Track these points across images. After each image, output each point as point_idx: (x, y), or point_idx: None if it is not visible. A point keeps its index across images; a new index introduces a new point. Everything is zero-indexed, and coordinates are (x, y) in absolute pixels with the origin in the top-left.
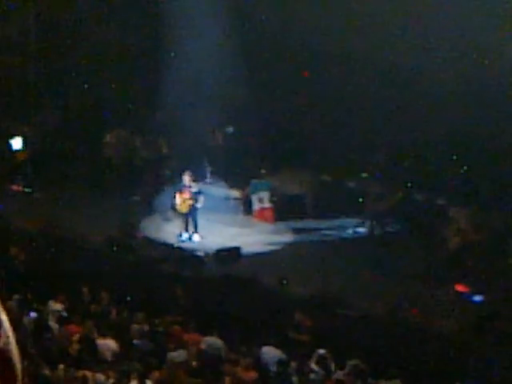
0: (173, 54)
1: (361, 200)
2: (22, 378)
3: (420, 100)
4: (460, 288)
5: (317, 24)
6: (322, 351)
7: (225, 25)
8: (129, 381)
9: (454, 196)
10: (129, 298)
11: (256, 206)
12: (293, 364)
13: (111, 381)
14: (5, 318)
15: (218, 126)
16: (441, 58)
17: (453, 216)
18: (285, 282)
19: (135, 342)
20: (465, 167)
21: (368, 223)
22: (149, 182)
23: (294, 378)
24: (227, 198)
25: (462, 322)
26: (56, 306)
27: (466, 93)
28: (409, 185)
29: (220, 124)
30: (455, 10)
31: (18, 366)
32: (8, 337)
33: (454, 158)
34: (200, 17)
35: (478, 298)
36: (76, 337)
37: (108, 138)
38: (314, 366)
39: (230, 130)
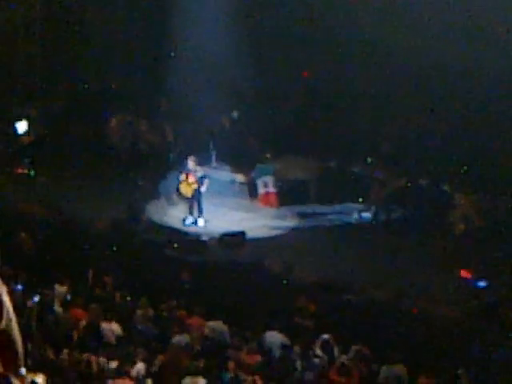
0: (178, 40)
1: (365, 185)
2: (25, 361)
3: (426, 88)
4: (464, 274)
5: (325, 11)
6: (325, 336)
7: (230, 10)
8: (133, 364)
9: (459, 182)
10: (133, 282)
11: (260, 191)
12: (296, 349)
13: (115, 364)
14: (7, 300)
15: (223, 111)
16: (447, 49)
17: (457, 202)
18: (289, 266)
19: (139, 326)
20: (469, 153)
21: (372, 209)
22: (154, 167)
23: (298, 363)
24: (232, 183)
25: (466, 308)
26: (62, 288)
27: (472, 82)
28: (413, 171)
29: (225, 109)
30: (462, 5)
31: (20, 348)
32: (10, 319)
33: (459, 144)
34: (205, 3)
35: (482, 283)
36: (82, 322)
37: (113, 122)
38: (317, 350)
39: (235, 114)
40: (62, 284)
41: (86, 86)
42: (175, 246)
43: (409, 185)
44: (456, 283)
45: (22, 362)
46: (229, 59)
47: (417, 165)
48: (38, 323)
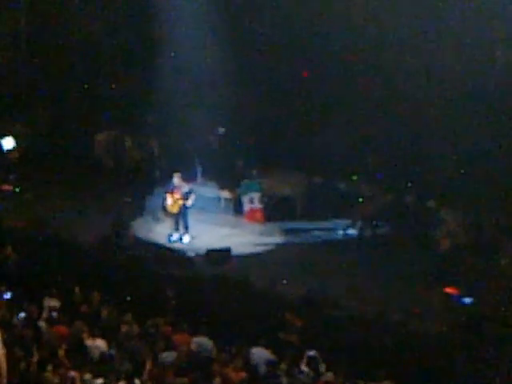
0: (165, 56)
1: (351, 202)
2: (9, 378)
3: (411, 104)
4: (449, 290)
5: (310, 25)
6: (311, 352)
7: (217, 26)
8: (118, 381)
9: (445, 198)
10: (119, 299)
11: (246, 207)
12: (282, 365)
13: (100, 381)
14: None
15: (210, 127)
16: (433, 60)
17: (443, 218)
18: (275, 282)
19: (125, 342)
20: (455, 169)
21: (358, 225)
22: (139, 183)
23: (284, 379)
24: (218, 199)
25: (452, 324)
26: (52, 302)
27: (457, 95)
28: (399, 187)
29: (211, 125)
30: (461, 10)
31: (3, 364)
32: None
33: (444, 160)
34: (191, 18)
35: (467, 300)
36: (66, 338)
37: (99, 138)
38: (303, 367)
39: (221, 130)
40: (51, 297)
41: (72, 100)
42: (161, 262)
43: (394, 201)
44: (441, 299)
45: (5, 379)
46: (215, 76)
47: (402, 181)
48: (21, 339)
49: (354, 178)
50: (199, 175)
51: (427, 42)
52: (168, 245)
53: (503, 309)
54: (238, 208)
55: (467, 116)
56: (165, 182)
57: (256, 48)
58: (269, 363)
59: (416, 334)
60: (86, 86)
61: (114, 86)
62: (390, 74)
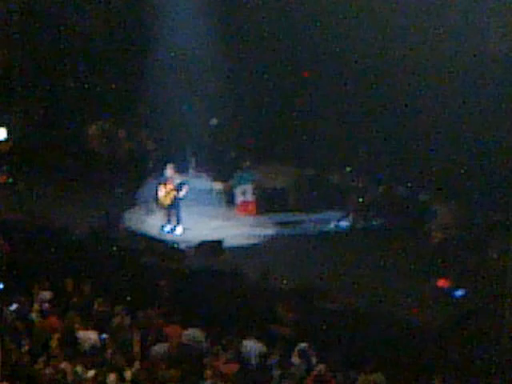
0: (157, 47)
1: (344, 194)
2: (1, 370)
3: (404, 95)
4: (442, 283)
5: (303, 20)
6: (303, 345)
7: (207, 18)
8: (110, 373)
9: (437, 191)
10: (111, 290)
11: (239, 199)
12: (274, 357)
13: (91, 373)
14: None
15: (202, 119)
16: (421, 53)
17: (435, 211)
18: (267, 274)
19: (117, 334)
20: (447, 162)
21: (350, 217)
22: (132, 174)
23: (276, 372)
24: (210, 191)
25: (444, 317)
26: (43, 294)
27: (447, 88)
28: (392, 179)
29: (204, 116)
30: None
31: None
32: None
33: (437, 153)
34: (183, 10)
35: (459, 292)
36: (58, 330)
37: (92, 129)
38: (295, 359)
39: (214, 122)
40: (44, 290)
41: (65, 91)
42: (153, 253)
43: (387, 193)
44: (434, 292)
45: None
46: (208, 67)
47: (395, 174)
48: (13, 331)
49: (348, 169)
50: (192, 167)
51: (416, 34)
52: (160, 236)
53: (494, 301)
54: (230, 200)
55: (460, 109)
56: (157, 174)
57: (248, 39)
58: (260, 355)
59: (407, 327)
60: (78, 77)
61: (107, 77)
62: (379, 66)
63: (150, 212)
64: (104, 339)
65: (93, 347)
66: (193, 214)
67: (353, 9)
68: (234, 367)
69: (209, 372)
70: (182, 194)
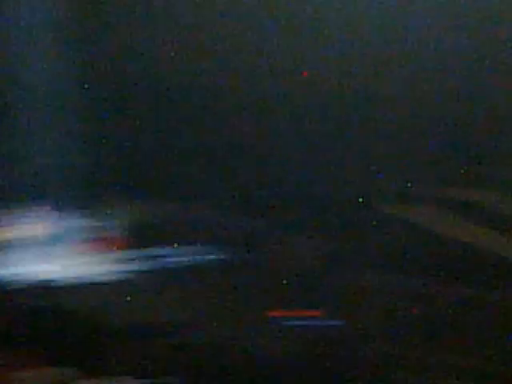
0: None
1: (199, 227)
2: None
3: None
4: (276, 313)
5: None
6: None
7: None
8: None
9: (294, 225)
10: None
11: (100, 235)
12: None
13: None
14: None
15: (63, 154)
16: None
17: (291, 243)
18: (106, 312)
19: None
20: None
21: (204, 250)
22: None
23: None
24: (70, 227)
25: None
26: None
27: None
28: (246, 211)
29: (65, 151)
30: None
31: None
32: None
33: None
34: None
35: (299, 322)
36: None
37: None
38: None
39: (74, 155)
40: None
41: None
42: None
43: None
44: (273, 322)
45: None
46: (65, 103)
47: (251, 206)
48: None
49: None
50: (52, 204)
51: None
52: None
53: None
54: (87, 236)
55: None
56: (9, 211)
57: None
58: None
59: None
60: None
61: None
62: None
63: None
64: None
65: None
66: (44, 252)
67: None
68: None
69: None
70: (40, 232)
